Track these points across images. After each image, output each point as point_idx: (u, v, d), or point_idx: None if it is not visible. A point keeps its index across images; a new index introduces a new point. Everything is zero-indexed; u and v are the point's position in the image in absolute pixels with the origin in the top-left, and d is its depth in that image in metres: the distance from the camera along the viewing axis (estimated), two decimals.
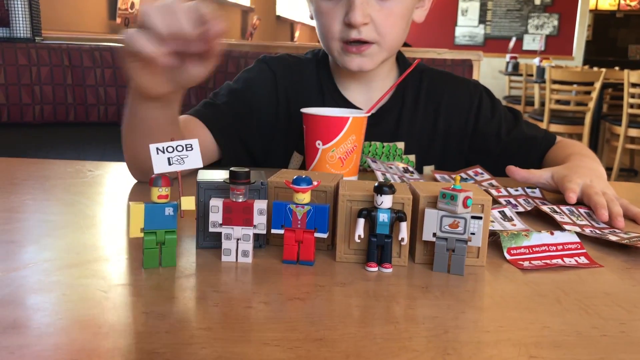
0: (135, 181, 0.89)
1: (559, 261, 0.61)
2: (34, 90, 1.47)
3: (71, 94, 1.49)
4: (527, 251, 0.62)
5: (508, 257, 0.61)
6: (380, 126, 1.05)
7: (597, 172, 0.87)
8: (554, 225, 0.72)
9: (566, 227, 0.70)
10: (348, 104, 1.06)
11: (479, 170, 0.98)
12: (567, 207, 0.77)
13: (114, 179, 0.93)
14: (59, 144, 1.46)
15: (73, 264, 0.55)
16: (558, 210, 0.76)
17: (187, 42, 0.65)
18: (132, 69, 0.70)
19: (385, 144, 1.06)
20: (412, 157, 1.07)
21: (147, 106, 0.78)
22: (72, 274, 0.53)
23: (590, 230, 0.71)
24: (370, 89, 1.07)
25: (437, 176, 0.97)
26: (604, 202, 0.76)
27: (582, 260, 0.61)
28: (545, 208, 0.76)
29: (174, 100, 0.80)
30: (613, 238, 0.67)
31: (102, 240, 0.63)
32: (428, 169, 1.08)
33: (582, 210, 0.77)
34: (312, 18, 1.06)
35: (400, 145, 1.07)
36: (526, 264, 0.59)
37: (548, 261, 0.60)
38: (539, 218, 0.76)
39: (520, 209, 0.79)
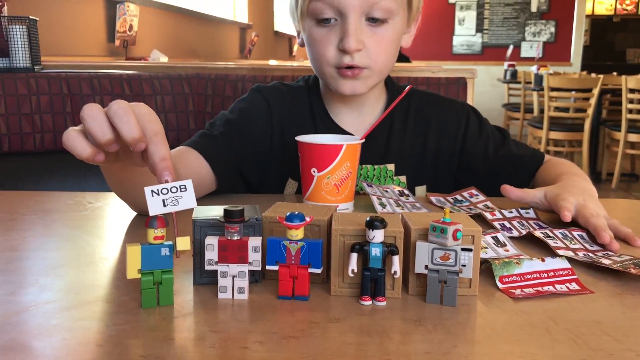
0: (133, 214, 0.90)
1: (550, 288, 0.62)
2: (34, 119, 1.49)
3: (71, 122, 1.51)
4: (519, 279, 0.63)
5: (500, 285, 0.62)
6: (370, 149, 1.06)
7: (589, 192, 0.88)
8: (548, 249, 0.73)
9: (559, 252, 0.71)
10: (339, 129, 1.08)
11: (474, 191, 0.99)
12: (561, 230, 0.78)
13: (113, 211, 0.94)
14: (59, 171, 1.48)
15: (73, 305, 0.56)
16: (551, 234, 0.77)
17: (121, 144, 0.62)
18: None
19: (376, 166, 1.08)
20: (402, 179, 1.08)
21: (110, 171, 0.80)
22: (71, 316, 0.54)
23: (584, 254, 0.71)
24: (361, 113, 1.09)
25: (433, 199, 0.98)
26: (603, 224, 0.77)
27: (573, 286, 0.62)
28: (538, 233, 0.77)
29: (131, 160, 0.71)
30: (606, 262, 0.68)
31: (101, 278, 0.64)
32: (420, 190, 1.09)
33: (575, 233, 0.78)
34: (302, 45, 1.07)
35: (391, 167, 1.08)
36: (518, 292, 0.60)
37: (539, 288, 0.61)
38: (532, 242, 0.77)
39: (515, 233, 0.80)
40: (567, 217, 0.79)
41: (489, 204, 0.94)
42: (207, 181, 1.00)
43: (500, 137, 1.13)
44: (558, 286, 0.62)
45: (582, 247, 0.74)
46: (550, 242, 0.74)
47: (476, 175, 1.09)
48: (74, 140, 0.60)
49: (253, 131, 1.07)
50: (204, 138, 1.03)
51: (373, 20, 0.96)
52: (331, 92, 1.08)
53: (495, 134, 1.13)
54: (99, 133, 0.59)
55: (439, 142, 1.11)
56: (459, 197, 0.98)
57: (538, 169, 1.08)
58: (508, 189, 0.87)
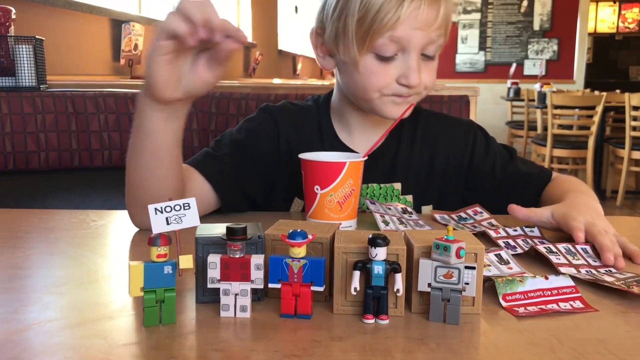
0: (136, 232, 0.91)
1: (554, 306, 0.61)
2: (39, 138, 1.49)
3: (76, 140, 1.52)
4: (522, 297, 0.62)
5: (504, 303, 0.61)
6: (377, 168, 1.06)
7: (596, 210, 0.88)
8: (550, 266, 0.73)
9: (561, 269, 0.71)
10: (347, 150, 1.08)
11: (478, 209, 0.99)
12: (564, 245, 0.78)
13: (117, 229, 0.95)
14: (64, 190, 1.48)
15: (75, 323, 0.56)
16: (554, 249, 0.77)
17: (212, 33, 0.73)
18: (156, 62, 0.76)
19: (382, 185, 1.07)
20: (409, 198, 1.08)
21: (154, 116, 0.82)
22: (74, 334, 0.54)
23: (586, 271, 0.71)
24: (373, 134, 1.08)
25: (437, 216, 0.98)
26: (609, 244, 0.77)
27: (577, 304, 0.62)
28: (541, 248, 0.76)
29: (180, 113, 0.84)
30: (608, 279, 0.67)
31: (104, 296, 0.64)
32: (426, 210, 1.09)
33: (579, 247, 0.78)
34: (327, 68, 1.06)
35: (397, 186, 1.08)
36: (521, 310, 0.60)
37: (543, 306, 0.61)
38: (535, 259, 0.77)
39: (519, 251, 0.79)
40: (581, 237, 0.79)
41: (493, 221, 0.94)
42: (209, 200, 1.00)
43: (507, 155, 1.13)
44: (562, 304, 0.62)
45: (586, 263, 0.74)
46: (552, 258, 0.74)
47: (483, 194, 1.09)
48: (175, 19, 0.72)
49: (260, 151, 1.07)
50: (208, 158, 1.03)
51: (426, 56, 0.98)
52: (343, 112, 1.09)
53: (502, 152, 1.13)
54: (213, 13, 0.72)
55: (446, 161, 1.11)
56: (463, 215, 0.98)
57: (545, 187, 1.08)
58: (515, 209, 0.87)
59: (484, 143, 1.13)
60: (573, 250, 0.77)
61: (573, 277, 0.67)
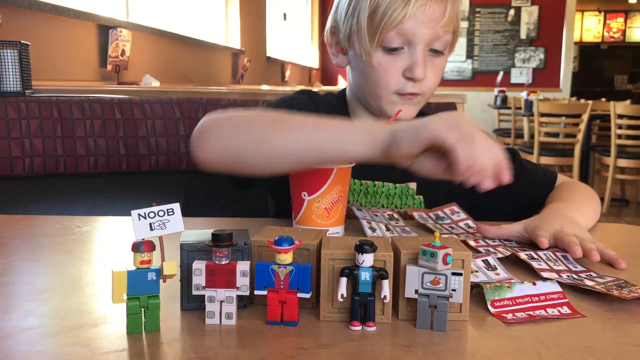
0: (121, 238, 0.90)
1: (542, 312, 0.61)
2: (23, 143, 1.48)
3: (61, 146, 1.50)
4: (510, 303, 0.62)
5: (492, 309, 0.61)
6: (392, 168, 1.08)
7: (569, 219, 0.89)
8: (533, 271, 0.73)
9: (544, 274, 0.72)
10: None
11: (455, 208, 0.99)
12: (544, 252, 0.79)
13: (101, 235, 0.94)
14: (49, 196, 1.47)
15: (57, 331, 0.55)
16: (535, 256, 0.77)
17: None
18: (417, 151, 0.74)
19: (397, 184, 1.09)
20: (422, 198, 1.10)
21: (365, 151, 0.77)
22: (56, 342, 0.53)
23: (567, 276, 0.72)
24: None
25: (415, 214, 0.98)
26: (576, 240, 0.79)
27: (565, 310, 0.62)
28: (523, 255, 0.77)
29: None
30: (589, 283, 0.68)
31: (88, 304, 0.63)
32: None
33: (559, 254, 0.79)
34: (340, 65, 1.09)
35: (413, 185, 1.10)
36: (510, 316, 0.60)
37: (531, 312, 0.61)
38: (517, 264, 0.77)
39: (500, 255, 0.80)
40: (544, 243, 0.81)
41: (470, 222, 0.94)
42: None
43: (510, 156, 1.13)
44: (550, 310, 0.62)
45: (566, 269, 0.75)
46: (534, 264, 0.74)
47: (489, 197, 1.09)
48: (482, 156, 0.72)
49: None
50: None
51: (434, 52, 1.00)
52: (355, 112, 1.10)
53: (506, 154, 1.14)
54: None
55: None
56: (440, 214, 0.98)
57: (552, 189, 1.09)
58: (484, 229, 0.89)
59: None
60: (553, 257, 0.78)
61: (561, 282, 0.67)
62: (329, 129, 0.80)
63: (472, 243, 0.85)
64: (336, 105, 1.14)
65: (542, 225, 0.85)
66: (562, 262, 0.77)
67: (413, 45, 0.98)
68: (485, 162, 0.71)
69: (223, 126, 0.85)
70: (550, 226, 0.84)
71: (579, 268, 0.75)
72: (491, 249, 0.82)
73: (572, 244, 0.78)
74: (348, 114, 1.13)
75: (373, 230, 0.86)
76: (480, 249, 0.82)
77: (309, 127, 0.81)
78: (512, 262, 0.78)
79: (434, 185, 1.10)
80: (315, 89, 1.17)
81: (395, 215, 0.97)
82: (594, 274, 0.73)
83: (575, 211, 0.93)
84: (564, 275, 0.72)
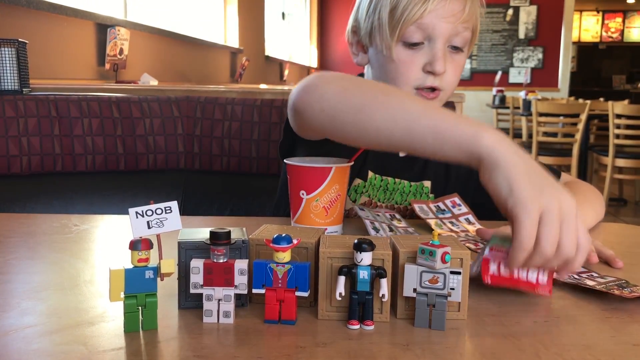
0: (119, 237, 0.89)
1: (523, 274, 0.64)
2: (21, 142, 1.47)
3: (59, 145, 1.50)
4: (505, 255, 0.64)
5: (486, 253, 0.64)
6: (410, 165, 1.11)
7: None
8: None
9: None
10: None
11: (457, 200, 0.99)
12: None
13: (99, 233, 0.93)
14: (46, 194, 1.46)
15: (54, 329, 0.55)
16: None
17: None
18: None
19: (412, 183, 1.10)
20: (434, 197, 1.11)
21: (453, 161, 0.72)
22: (53, 340, 0.53)
23: (568, 276, 0.71)
24: None
25: (416, 206, 0.98)
26: None
27: (542, 279, 0.64)
28: None
29: None
30: (590, 283, 0.68)
31: (85, 302, 0.63)
32: None
33: None
34: (361, 64, 1.10)
35: (427, 184, 1.11)
36: (492, 270, 0.63)
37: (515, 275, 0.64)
38: None
39: None
40: None
41: (470, 217, 0.95)
42: None
43: None
44: (530, 274, 0.64)
45: None
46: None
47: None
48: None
49: None
50: None
51: (453, 48, 1.01)
52: None
53: None
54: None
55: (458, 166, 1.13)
56: (441, 206, 0.99)
57: None
58: (483, 232, 0.89)
59: None
60: None
61: (555, 281, 0.67)
62: (431, 122, 0.72)
63: (471, 247, 0.84)
64: None
65: None
66: None
67: (433, 40, 0.99)
68: (562, 252, 0.62)
69: (330, 83, 0.84)
70: None
71: (580, 269, 0.75)
72: None
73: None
74: None
75: (377, 230, 0.86)
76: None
77: (414, 111, 0.74)
78: None
79: (445, 185, 1.13)
80: None
81: (397, 216, 0.98)
82: (594, 274, 0.73)
83: (584, 211, 0.93)
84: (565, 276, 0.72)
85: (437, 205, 0.99)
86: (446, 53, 1.00)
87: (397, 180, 1.10)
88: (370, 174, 1.09)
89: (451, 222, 0.93)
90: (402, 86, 1.02)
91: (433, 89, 1.01)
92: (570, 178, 1.13)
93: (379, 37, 1.01)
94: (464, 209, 0.97)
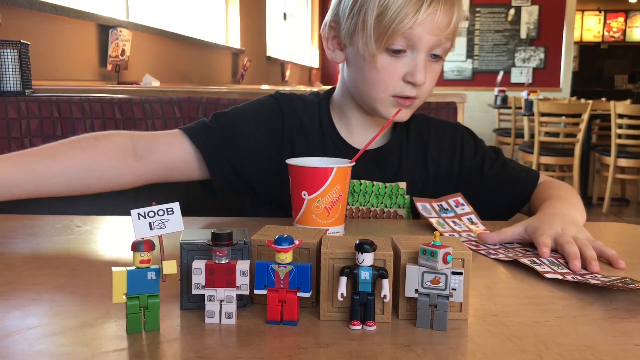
0: (121, 238, 0.90)
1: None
2: (23, 143, 1.48)
3: None
4: None
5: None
6: (383, 167, 1.09)
7: (569, 218, 0.89)
8: (536, 273, 0.73)
9: (548, 275, 0.71)
10: (349, 147, 1.09)
11: (460, 200, 0.99)
12: (548, 258, 0.78)
13: (101, 235, 0.94)
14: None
15: (57, 331, 0.55)
16: (538, 261, 0.77)
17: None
18: None
19: (387, 184, 1.09)
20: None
21: None
22: (55, 342, 0.53)
23: (572, 277, 0.71)
24: (374, 132, 1.09)
25: (419, 204, 0.98)
26: (577, 251, 0.77)
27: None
28: (525, 260, 0.76)
29: None
30: (595, 282, 0.68)
31: (87, 303, 0.63)
32: None
33: (562, 260, 0.78)
34: (336, 61, 1.09)
35: (402, 185, 1.10)
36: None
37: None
38: (523, 268, 0.77)
39: (502, 257, 0.79)
40: (546, 253, 0.79)
41: (473, 217, 0.95)
42: (194, 167, 1.04)
43: (494, 155, 1.15)
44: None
45: (570, 271, 0.74)
46: (537, 267, 0.74)
47: (474, 195, 1.10)
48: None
49: (258, 131, 1.08)
50: (202, 128, 1.06)
51: (433, 57, 1.01)
52: (344, 109, 1.10)
53: (490, 152, 1.15)
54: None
55: (437, 163, 1.13)
56: (444, 205, 0.99)
57: (534, 187, 1.10)
58: (485, 237, 0.88)
59: (472, 145, 1.15)
60: (556, 262, 0.77)
61: (560, 281, 0.67)
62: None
63: (472, 248, 0.84)
64: (314, 106, 1.13)
65: (543, 227, 0.84)
66: (565, 266, 0.76)
67: (416, 50, 0.98)
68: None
69: None
70: (551, 228, 0.84)
71: (583, 271, 0.75)
72: (492, 251, 0.82)
73: (573, 257, 0.76)
74: (328, 113, 1.12)
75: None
76: (482, 251, 0.82)
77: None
78: (513, 264, 0.78)
79: (422, 185, 1.11)
80: (315, 89, 1.17)
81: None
82: (598, 275, 0.72)
83: (571, 208, 0.94)
84: (569, 277, 0.71)
85: (440, 204, 0.99)
86: (427, 63, 0.99)
87: (366, 182, 1.08)
88: None
89: (453, 222, 0.94)
90: (379, 93, 1.01)
91: (409, 97, 1.01)
92: (546, 178, 1.14)
93: (362, 41, 0.99)
94: (467, 208, 0.97)
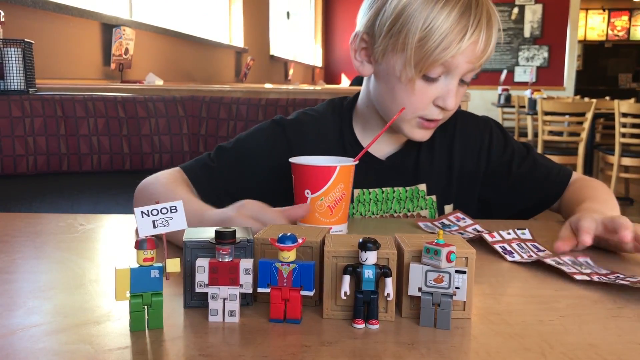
0: (125, 236, 0.90)
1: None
2: (27, 142, 1.48)
3: (64, 144, 1.51)
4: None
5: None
6: (400, 171, 1.08)
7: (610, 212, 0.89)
8: (560, 273, 0.72)
9: (576, 277, 0.70)
10: (372, 158, 1.08)
11: (460, 215, 0.99)
12: (568, 257, 0.77)
13: (104, 233, 0.94)
14: (52, 194, 1.47)
15: (61, 328, 0.55)
16: (561, 261, 0.75)
17: None
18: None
19: (407, 188, 1.08)
20: (433, 198, 1.10)
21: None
22: (59, 339, 0.53)
23: (598, 278, 0.70)
24: (398, 141, 1.10)
25: (421, 224, 0.97)
26: (629, 222, 0.76)
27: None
28: (550, 261, 0.75)
29: None
30: (621, 282, 0.67)
31: (91, 301, 0.63)
32: (448, 209, 1.10)
33: (581, 260, 0.77)
34: (363, 74, 1.06)
35: (422, 187, 1.09)
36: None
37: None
38: (544, 269, 0.76)
39: (517, 257, 0.79)
40: (628, 236, 0.76)
41: (478, 227, 0.93)
42: None
43: (525, 151, 1.13)
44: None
45: (594, 272, 0.73)
46: (564, 268, 0.73)
47: (500, 192, 1.09)
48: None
49: (262, 168, 1.06)
50: (204, 170, 1.04)
51: (461, 81, 1.00)
52: (369, 120, 1.09)
53: (520, 148, 1.13)
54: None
55: (463, 158, 1.11)
56: (446, 222, 0.97)
57: (566, 187, 1.07)
58: (560, 247, 0.82)
59: (502, 139, 1.13)
60: (577, 262, 0.76)
61: (587, 282, 0.67)
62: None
63: (488, 238, 0.84)
64: (329, 119, 1.11)
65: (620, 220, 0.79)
66: (587, 266, 0.75)
67: (450, 76, 0.97)
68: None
69: (149, 184, 0.98)
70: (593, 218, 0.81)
71: (604, 271, 0.73)
72: (507, 246, 0.82)
73: (623, 227, 0.75)
74: (350, 125, 1.11)
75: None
76: (497, 245, 0.82)
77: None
78: (536, 265, 0.77)
79: (444, 184, 1.10)
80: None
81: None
82: (621, 275, 0.71)
83: (612, 211, 0.93)
84: (595, 278, 0.70)
85: (442, 222, 0.98)
86: (457, 88, 0.99)
87: (387, 189, 1.07)
88: (357, 191, 1.07)
89: (460, 233, 0.92)
90: (408, 114, 1.00)
91: (436, 120, 1.01)
92: (580, 176, 1.11)
93: (399, 63, 0.97)
94: (469, 220, 0.96)
